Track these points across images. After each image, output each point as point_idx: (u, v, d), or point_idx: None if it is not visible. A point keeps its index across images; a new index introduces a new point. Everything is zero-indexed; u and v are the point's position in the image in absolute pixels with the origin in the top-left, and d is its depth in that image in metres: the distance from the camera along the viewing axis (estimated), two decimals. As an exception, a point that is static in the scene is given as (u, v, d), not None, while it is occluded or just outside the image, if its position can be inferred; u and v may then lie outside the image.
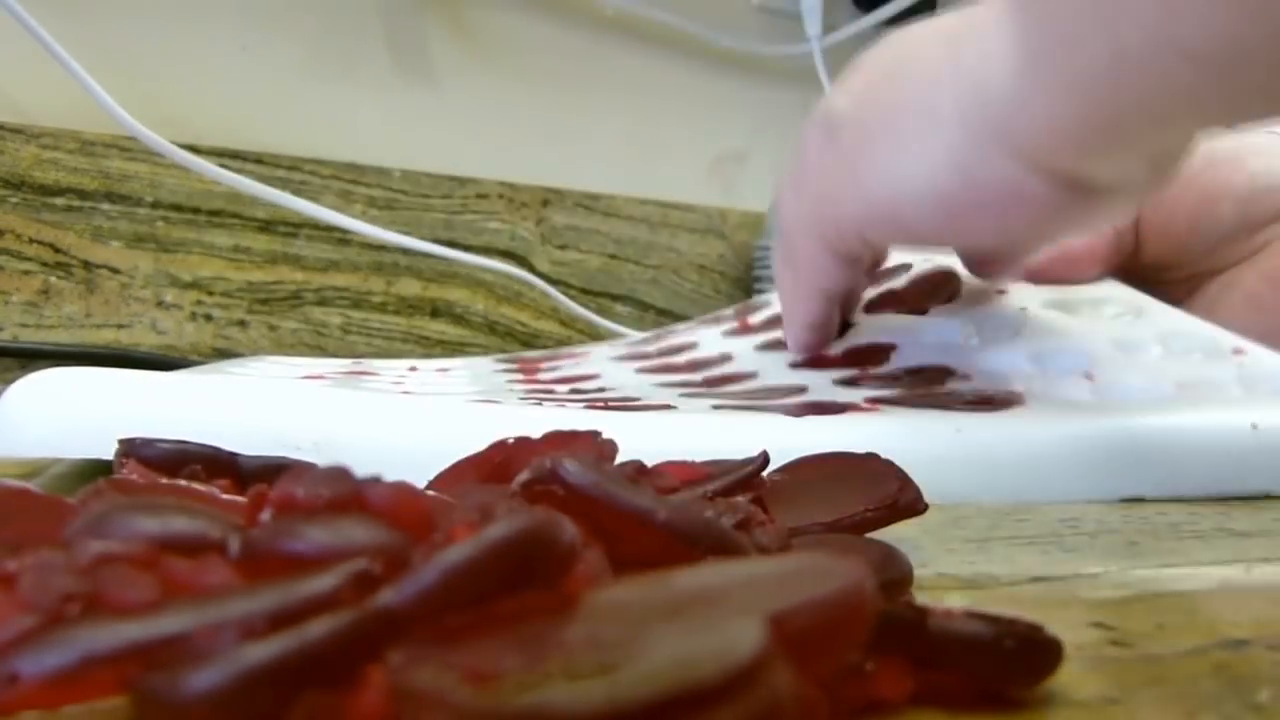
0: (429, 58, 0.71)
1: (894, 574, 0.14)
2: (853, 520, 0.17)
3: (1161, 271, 0.39)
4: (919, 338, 0.35)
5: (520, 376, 0.39)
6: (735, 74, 0.83)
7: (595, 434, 0.16)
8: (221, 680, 0.08)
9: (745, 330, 0.41)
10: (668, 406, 0.29)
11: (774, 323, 0.40)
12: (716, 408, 0.29)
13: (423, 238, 0.66)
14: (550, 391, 0.35)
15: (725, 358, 0.38)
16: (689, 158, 0.81)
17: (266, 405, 0.25)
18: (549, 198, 0.74)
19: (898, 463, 0.18)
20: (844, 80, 0.32)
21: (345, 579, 0.09)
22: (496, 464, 0.16)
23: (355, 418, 0.25)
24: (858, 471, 0.19)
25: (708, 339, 0.42)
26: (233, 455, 0.17)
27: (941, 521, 0.23)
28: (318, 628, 0.08)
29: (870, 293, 0.39)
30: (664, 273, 0.78)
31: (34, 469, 0.24)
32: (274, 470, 0.17)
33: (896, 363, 0.34)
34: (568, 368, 0.41)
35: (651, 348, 0.43)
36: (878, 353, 0.35)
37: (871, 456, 0.19)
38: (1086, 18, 0.22)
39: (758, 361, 0.37)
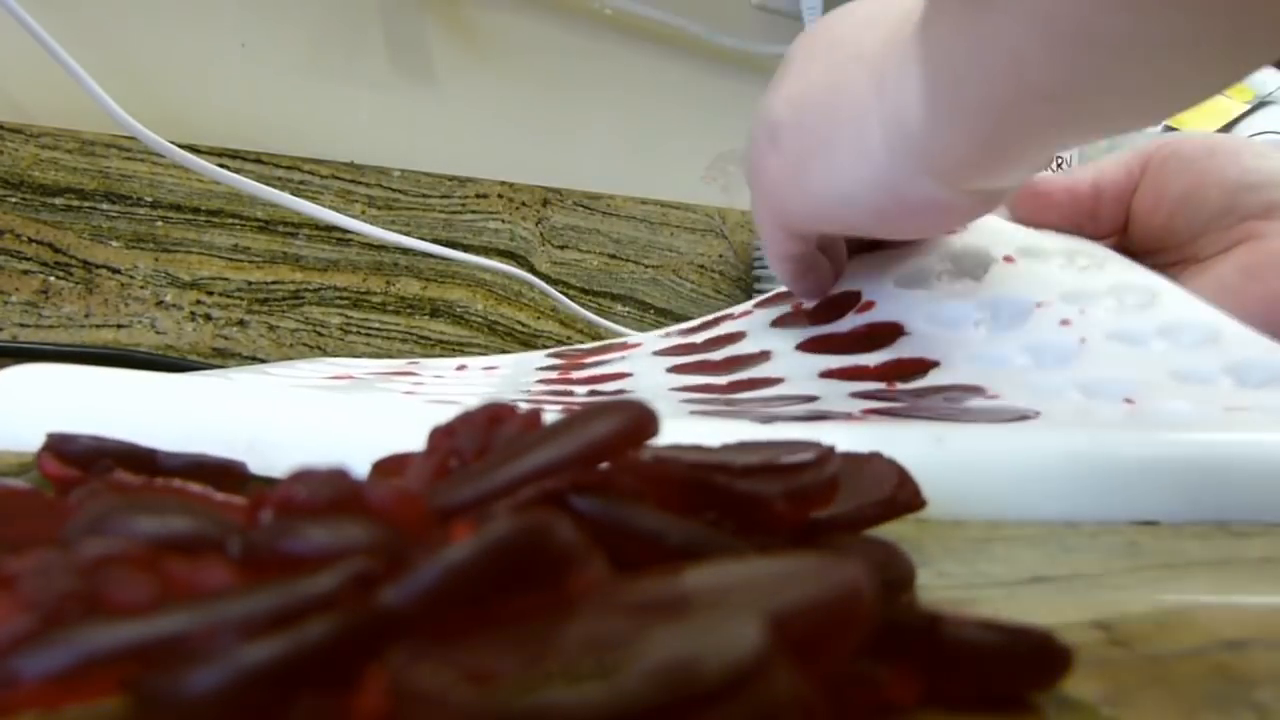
0: (429, 58, 0.71)
1: (895, 573, 0.14)
2: (851, 517, 0.17)
3: (1145, 256, 0.40)
4: (967, 355, 0.34)
5: (554, 375, 0.39)
6: (735, 74, 0.83)
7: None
8: (221, 680, 0.08)
9: (797, 318, 0.41)
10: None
11: (822, 313, 0.40)
12: (692, 413, 0.29)
13: (422, 238, 0.66)
14: (568, 393, 0.35)
15: (762, 356, 0.38)
16: (689, 158, 0.81)
17: (205, 405, 0.26)
18: (549, 198, 0.74)
19: None
20: (780, 82, 0.38)
21: (345, 579, 0.09)
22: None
23: (286, 417, 0.25)
24: (859, 470, 0.18)
25: (756, 328, 0.41)
26: (151, 452, 0.17)
27: (942, 522, 0.23)
28: (317, 627, 0.08)
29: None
30: (664, 273, 0.78)
31: (28, 464, 0.24)
32: (193, 468, 0.17)
33: (931, 379, 0.33)
34: (606, 365, 0.40)
35: (699, 337, 0.42)
36: (916, 367, 0.34)
37: (874, 456, 0.19)
38: (966, 63, 0.27)
39: (790, 365, 0.36)
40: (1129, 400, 0.29)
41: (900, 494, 0.18)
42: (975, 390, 0.32)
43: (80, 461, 0.17)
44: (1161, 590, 0.17)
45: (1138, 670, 0.13)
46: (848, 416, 0.28)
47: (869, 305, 0.38)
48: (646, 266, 0.78)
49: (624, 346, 0.43)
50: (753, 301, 0.44)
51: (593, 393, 0.35)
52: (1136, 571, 0.19)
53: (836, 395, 0.32)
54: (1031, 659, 0.11)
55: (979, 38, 0.26)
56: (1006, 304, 0.36)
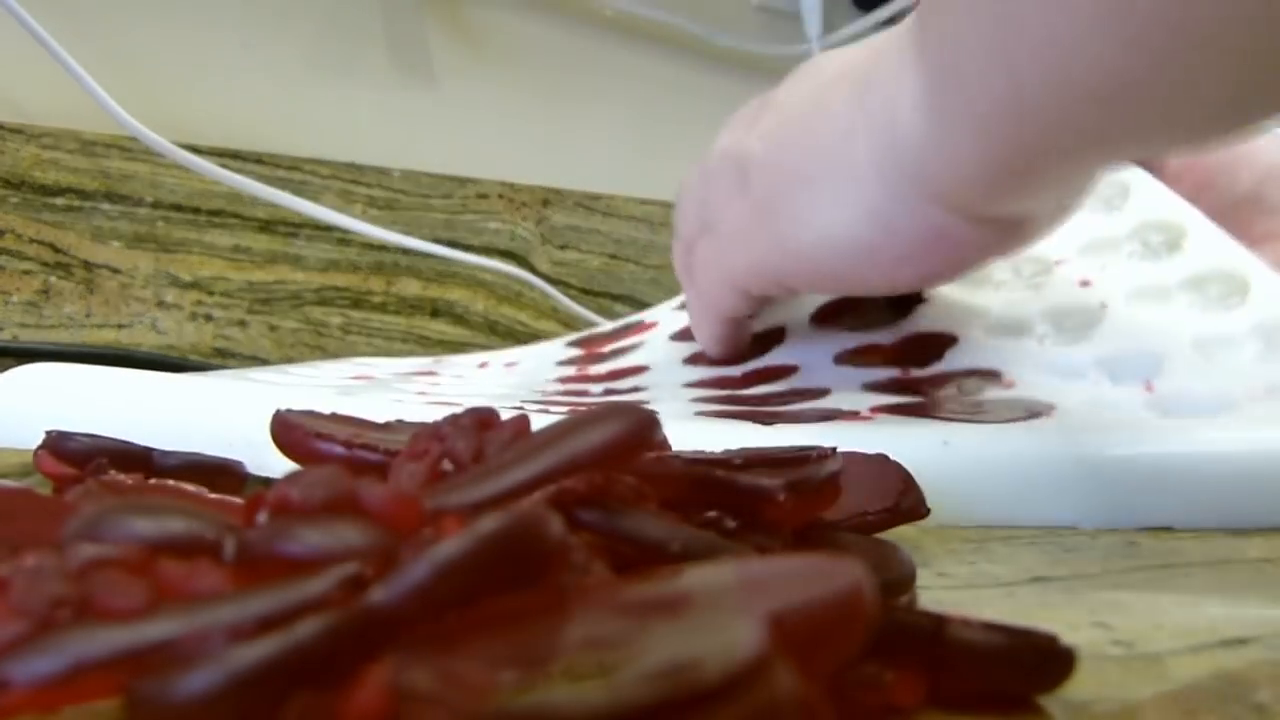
0: (429, 58, 0.71)
1: (895, 574, 0.14)
2: (854, 522, 0.17)
3: None
4: (985, 328, 0.33)
5: (572, 371, 0.39)
6: (735, 74, 0.83)
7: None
8: (212, 683, 0.08)
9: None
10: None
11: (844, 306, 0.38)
12: (698, 414, 0.29)
13: (423, 238, 0.66)
14: (583, 393, 0.35)
15: (778, 334, 0.37)
16: (689, 158, 0.81)
17: (211, 404, 0.26)
18: (549, 198, 0.74)
19: None
20: (754, 118, 0.32)
21: (337, 583, 0.09)
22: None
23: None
24: (864, 472, 0.18)
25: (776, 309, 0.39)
26: (146, 450, 0.18)
27: (943, 522, 0.23)
28: (307, 628, 0.08)
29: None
30: (664, 273, 0.78)
31: (29, 465, 0.25)
32: (189, 467, 0.17)
33: (948, 361, 0.32)
34: (623, 356, 0.40)
35: None
36: (933, 345, 0.33)
37: (879, 457, 0.19)
38: (985, 59, 0.21)
39: (805, 348, 0.35)
40: (1149, 386, 0.28)
41: (904, 501, 0.18)
42: (991, 377, 0.30)
43: (77, 460, 0.17)
44: (1161, 590, 0.17)
45: (1138, 670, 0.13)
46: (856, 415, 0.28)
47: None
48: (646, 266, 0.78)
49: (641, 328, 0.43)
50: None
51: (608, 392, 0.35)
52: (1136, 571, 0.19)
53: (850, 387, 0.31)
54: (1036, 661, 0.11)
55: (1000, 18, 0.20)
56: (1025, 263, 0.35)
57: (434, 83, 0.71)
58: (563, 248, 0.74)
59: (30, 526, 0.12)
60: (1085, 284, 0.33)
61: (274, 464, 0.24)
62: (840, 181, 0.27)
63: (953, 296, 0.35)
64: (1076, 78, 0.20)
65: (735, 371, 0.35)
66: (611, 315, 0.74)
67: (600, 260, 0.76)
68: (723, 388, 0.34)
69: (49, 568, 0.09)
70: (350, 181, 0.66)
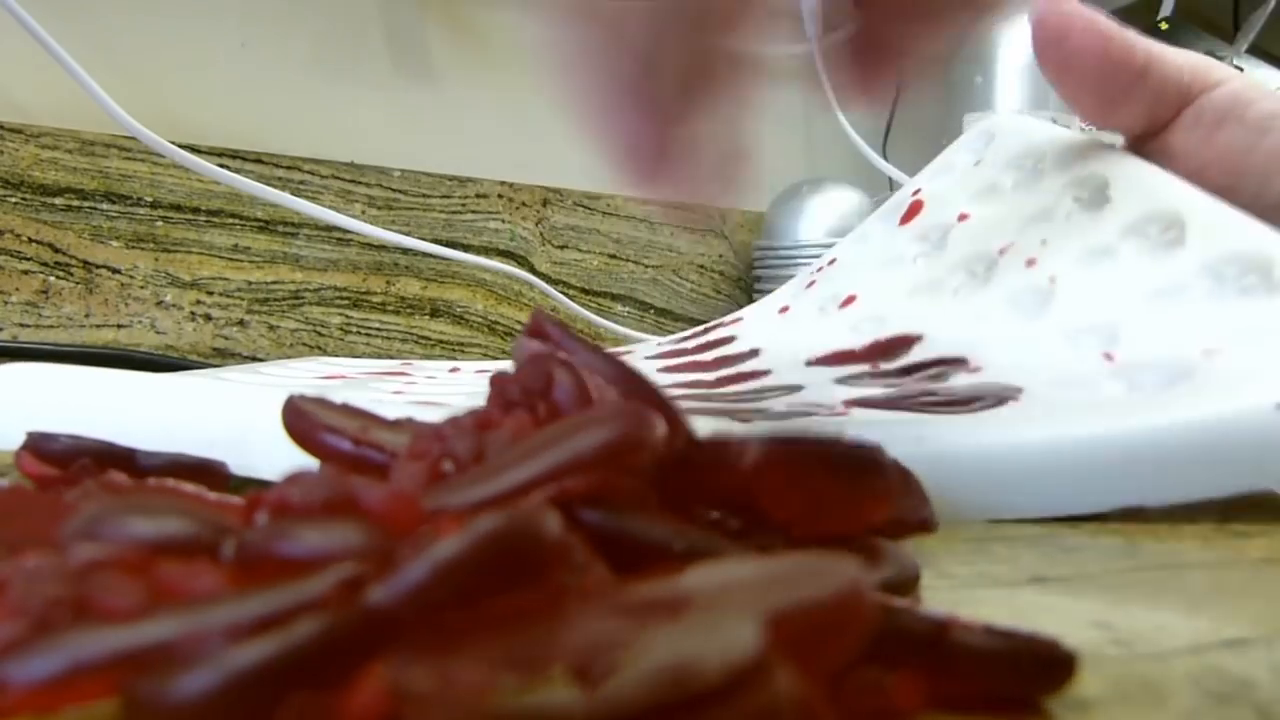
0: (429, 58, 0.71)
1: (897, 574, 0.14)
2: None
3: None
4: (948, 320, 0.34)
5: None
6: (735, 74, 0.83)
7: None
8: (210, 683, 0.08)
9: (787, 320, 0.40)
10: None
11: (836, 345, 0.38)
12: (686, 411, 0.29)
13: (423, 238, 0.66)
14: None
15: (751, 353, 0.38)
16: (689, 157, 0.81)
17: (188, 404, 0.26)
18: (549, 198, 0.74)
19: None
20: None
21: (336, 583, 0.09)
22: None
23: (271, 416, 0.26)
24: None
25: (746, 332, 0.41)
26: (129, 451, 0.17)
27: (942, 522, 0.23)
28: (305, 628, 0.08)
29: (820, 349, 0.37)
30: (664, 272, 0.78)
31: (8, 465, 0.25)
32: (171, 467, 0.17)
33: (915, 354, 0.33)
34: None
35: (690, 344, 0.42)
36: (900, 344, 0.34)
37: (890, 463, 0.19)
38: None
39: (778, 358, 0.37)
40: (1109, 356, 0.28)
41: (912, 515, 0.17)
42: (958, 363, 0.31)
43: (59, 460, 0.17)
44: (1162, 590, 0.17)
45: (1138, 670, 0.13)
46: (830, 412, 0.28)
47: (850, 299, 0.39)
48: (646, 266, 0.78)
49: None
50: (744, 310, 0.45)
51: None
52: (1136, 571, 0.19)
53: (822, 382, 0.32)
54: (1038, 666, 0.11)
55: None
56: (976, 263, 0.36)
57: (434, 83, 0.71)
58: (562, 248, 0.74)
59: (29, 526, 0.12)
60: (1031, 263, 0.34)
61: (257, 464, 0.24)
62: None
63: (913, 308, 0.36)
64: None
65: (709, 375, 0.36)
66: (611, 315, 0.74)
67: (600, 260, 0.76)
68: (695, 388, 0.35)
69: (47, 568, 0.09)
70: (350, 181, 0.66)
